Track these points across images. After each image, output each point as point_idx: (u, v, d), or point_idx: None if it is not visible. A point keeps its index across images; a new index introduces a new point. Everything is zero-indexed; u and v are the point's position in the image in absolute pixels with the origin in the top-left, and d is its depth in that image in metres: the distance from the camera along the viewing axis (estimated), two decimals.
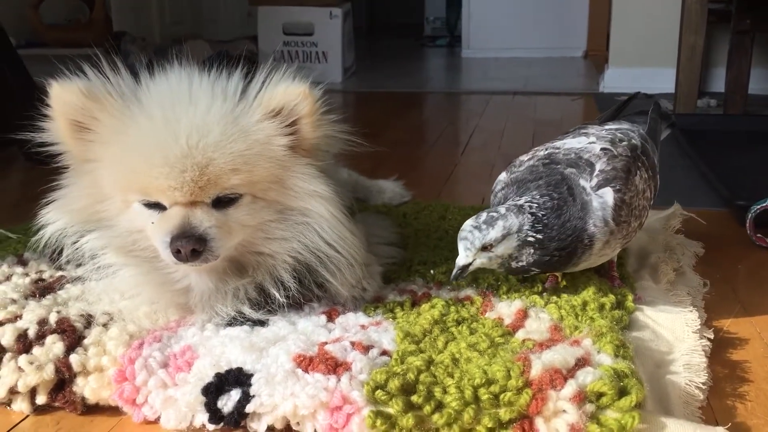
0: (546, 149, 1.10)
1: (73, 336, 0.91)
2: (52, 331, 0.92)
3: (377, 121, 2.81)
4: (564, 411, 0.74)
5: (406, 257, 1.20)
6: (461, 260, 0.96)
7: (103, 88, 0.96)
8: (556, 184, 1.00)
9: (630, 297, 1.04)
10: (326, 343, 0.88)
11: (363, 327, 0.95)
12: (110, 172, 0.96)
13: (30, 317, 0.95)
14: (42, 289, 1.07)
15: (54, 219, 1.02)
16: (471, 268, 0.97)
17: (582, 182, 1.01)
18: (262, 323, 0.96)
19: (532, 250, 0.96)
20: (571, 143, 1.10)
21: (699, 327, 1.00)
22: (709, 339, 0.99)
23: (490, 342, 0.89)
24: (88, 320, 0.95)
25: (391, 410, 0.77)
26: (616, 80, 3.33)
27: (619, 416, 0.73)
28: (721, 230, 1.49)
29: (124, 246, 1.00)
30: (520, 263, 0.97)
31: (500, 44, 4.90)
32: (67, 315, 0.96)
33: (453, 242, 1.29)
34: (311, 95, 0.96)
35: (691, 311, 1.03)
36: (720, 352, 0.99)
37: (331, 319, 0.98)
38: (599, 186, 1.01)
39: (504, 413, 0.75)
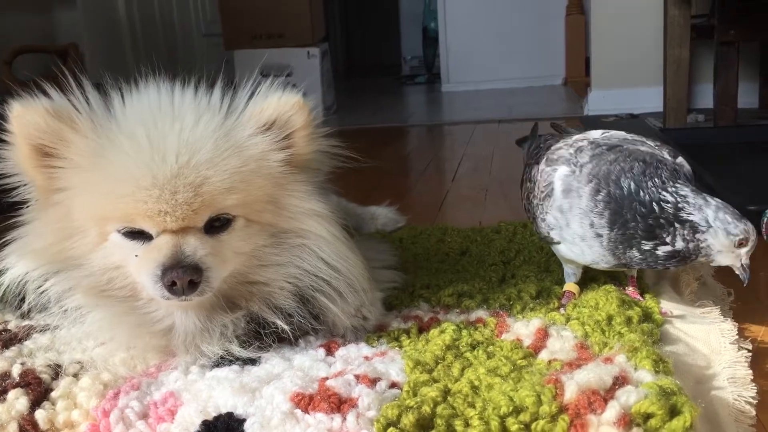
0: (583, 141, 1.00)
1: (38, 389, 0.81)
2: (15, 385, 0.82)
3: (362, 155, 2.74)
4: None
5: (408, 282, 1.10)
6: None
7: (71, 107, 0.86)
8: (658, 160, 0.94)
9: (657, 309, 0.95)
10: (327, 378, 0.78)
11: (367, 358, 0.85)
12: (85, 200, 0.85)
13: None
14: (5, 341, 0.96)
15: (13, 263, 0.90)
16: None
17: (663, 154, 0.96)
18: (253, 362, 0.86)
19: None
20: (603, 136, 1.02)
21: (736, 337, 0.91)
22: (747, 350, 0.90)
23: (512, 365, 0.79)
24: (56, 371, 0.85)
25: None
26: (599, 102, 3.29)
27: None
28: None
29: (96, 286, 0.89)
30: None
31: (480, 77, 4.89)
32: (32, 366, 0.86)
33: (455, 264, 1.21)
34: (305, 106, 0.89)
35: (725, 321, 0.94)
36: (758, 363, 0.90)
37: (330, 352, 0.88)
38: (673, 156, 0.96)
39: None
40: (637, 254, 0.90)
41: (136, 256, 0.84)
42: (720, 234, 0.86)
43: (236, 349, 0.87)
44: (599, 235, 0.92)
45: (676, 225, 0.87)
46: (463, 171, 2.33)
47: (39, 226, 0.90)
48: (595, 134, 1.03)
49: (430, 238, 1.39)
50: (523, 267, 1.16)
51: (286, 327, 0.88)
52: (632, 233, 0.89)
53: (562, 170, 0.96)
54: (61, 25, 4.31)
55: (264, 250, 0.89)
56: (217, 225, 0.85)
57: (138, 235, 0.84)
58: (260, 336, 0.89)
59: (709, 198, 0.88)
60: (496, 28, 4.88)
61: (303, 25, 3.83)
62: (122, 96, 0.89)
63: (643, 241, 0.89)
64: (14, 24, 4.16)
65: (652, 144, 0.98)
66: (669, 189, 0.88)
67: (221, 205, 0.83)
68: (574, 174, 0.94)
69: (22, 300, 0.93)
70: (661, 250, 0.89)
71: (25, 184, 0.91)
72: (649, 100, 3.05)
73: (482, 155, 2.54)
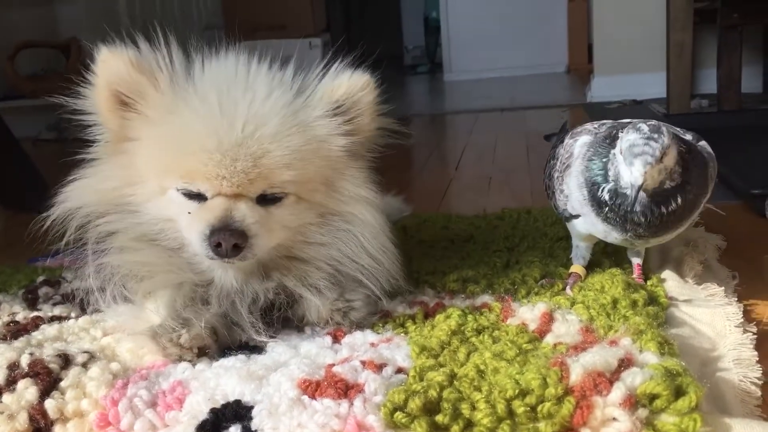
0: (612, 121, 1.01)
1: (47, 379, 0.81)
2: (24, 375, 0.82)
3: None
4: (614, 419, 0.65)
5: (413, 269, 1.10)
6: (638, 179, 0.84)
7: (154, 62, 0.89)
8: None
9: (662, 292, 0.95)
10: (333, 364, 0.79)
11: (373, 345, 0.86)
12: (152, 154, 0.89)
13: None
14: (14, 332, 0.97)
15: (72, 197, 0.93)
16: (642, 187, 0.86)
17: (680, 135, 0.94)
18: (259, 350, 0.87)
19: (680, 169, 0.88)
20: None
21: (741, 320, 0.91)
22: (752, 332, 0.90)
23: (518, 349, 0.79)
24: (66, 360, 0.85)
25: None
26: (603, 89, 3.29)
27: (677, 420, 0.64)
28: (738, 222, 1.42)
29: (147, 234, 0.93)
30: (672, 183, 0.88)
31: (482, 66, 4.88)
32: (41, 356, 0.85)
33: (460, 251, 1.21)
34: (374, 85, 0.93)
35: (731, 304, 0.94)
36: (763, 345, 0.90)
37: (336, 339, 0.89)
38: (697, 139, 0.96)
39: (544, 427, 0.65)
40: (609, 212, 0.90)
41: (189, 213, 0.87)
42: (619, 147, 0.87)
43: (258, 324, 0.89)
44: (584, 197, 0.93)
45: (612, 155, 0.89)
46: (467, 160, 2.33)
47: (105, 169, 0.94)
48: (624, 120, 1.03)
49: (435, 225, 1.39)
50: (528, 253, 1.16)
51: (317, 302, 0.90)
52: (595, 184, 0.90)
53: (584, 138, 0.97)
54: (62, 20, 4.31)
55: (310, 228, 0.92)
56: (269, 198, 0.88)
57: (194, 195, 0.87)
58: (270, 321, 0.90)
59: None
60: (497, 16, 4.86)
61: (304, 16, 3.83)
62: (202, 61, 0.92)
63: (602, 187, 0.90)
64: (16, 19, 4.16)
65: (678, 129, 0.98)
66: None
67: (277, 179, 0.87)
68: (591, 141, 0.95)
69: (62, 236, 0.94)
70: (606, 189, 0.90)
71: (96, 125, 0.94)
72: (653, 85, 3.04)
73: (485, 144, 2.54)
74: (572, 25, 4.68)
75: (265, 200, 0.88)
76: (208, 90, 0.88)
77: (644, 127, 0.86)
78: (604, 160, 0.90)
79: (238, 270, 0.90)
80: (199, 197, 0.87)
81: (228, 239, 0.83)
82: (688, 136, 0.96)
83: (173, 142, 0.87)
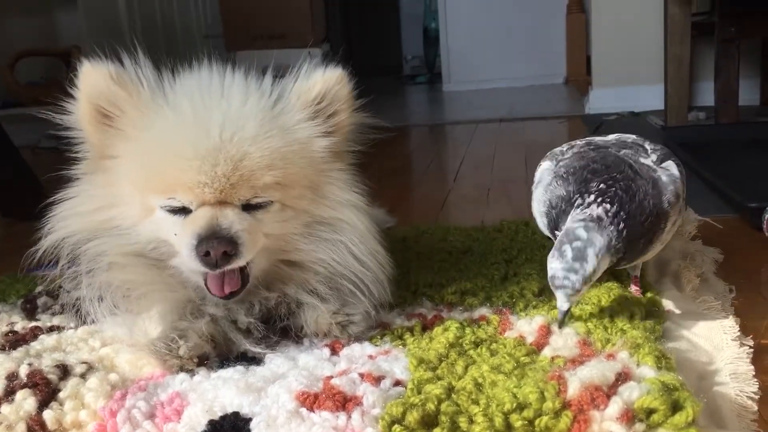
0: (583, 141, 1.03)
1: (46, 389, 0.81)
2: (23, 386, 0.82)
3: (364, 155, 2.74)
4: None
5: (411, 281, 1.11)
6: (564, 306, 0.85)
7: (135, 77, 0.90)
8: (615, 164, 0.91)
9: (660, 306, 0.95)
10: (332, 377, 0.79)
11: (371, 357, 0.86)
12: (131, 170, 0.89)
13: None
14: (13, 342, 0.97)
15: (59, 227, 0.93)
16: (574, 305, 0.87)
17: (642, 160, 0.94)
18: (257, 361, 0.87)
19: (622, 254, 0.87)
20: (602, 138, 1.03)
21: (738, 334, 0.91)
22: (749, 346, 0.90)
23: (516, 362, 0.79)
24: (64, 371, 0.85)
25: None
26: (601, 101, 3.30)
27: None
28: (736, 235, 1.42)
29: (139, 251, 0.92)
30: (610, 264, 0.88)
31: (481, 77, 4.90)
32: (39, 367, 0.86)
33: (458, 263, 1.22)
34: (347, 79, 0.93)
35: (727, 318, 0.95)
36: (760, 359, 0.90)
37: (334, 351, 0.89)
38: (661, 160, 0.96)
39: None
40: None
41: (176, 234, 0.86)
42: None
43: (254, 324, 0.89)
44: (545, 225, 0.95)
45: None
46: (465, 170, 2.34)
47: (87, 189, 0.93)
48: (611, 136, 1.05)
49: (433, 237, 1.39)
50: (526, 265, 1.17)
51: (322, 307, 0.90)
52: (551, 221, 0.92)
53: (546, 164, 1.00)
54: (62, 28, 4.33)
55: (295, 237, 0.91)
56: (254, 206, 0.87)
57: (179, 210, 0.87)
58: (267, 332, 0.90)
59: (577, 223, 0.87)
60: (496, 27, 4.88)
61: (304, 26, 3.84)
62: (174, 75, 0.92)
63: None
64: (16, 27, 4.17)
65: (648, 147, 0.98)
66: (578, 193, 0.89)
67: (259, 182, 0.86)
68: (551, 168, 0.97)
69: (56, 263, 0.95)
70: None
71: (81, 142, 0.94)
72: (651, 98, 3.06)
73: (484, 154, 2.55)
74: (571, 36, 4.71)
75: (251, 207, 0.87)
76: (181, 101, 0.88)
77: (568, 251, 0.83)
78: (560, 204, 0.91)
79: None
80: (184, 211, 0.87)
81: (217, 247, 0.82)
82: (653, 157, 0.96)
83: (150, 157, 0.87)
